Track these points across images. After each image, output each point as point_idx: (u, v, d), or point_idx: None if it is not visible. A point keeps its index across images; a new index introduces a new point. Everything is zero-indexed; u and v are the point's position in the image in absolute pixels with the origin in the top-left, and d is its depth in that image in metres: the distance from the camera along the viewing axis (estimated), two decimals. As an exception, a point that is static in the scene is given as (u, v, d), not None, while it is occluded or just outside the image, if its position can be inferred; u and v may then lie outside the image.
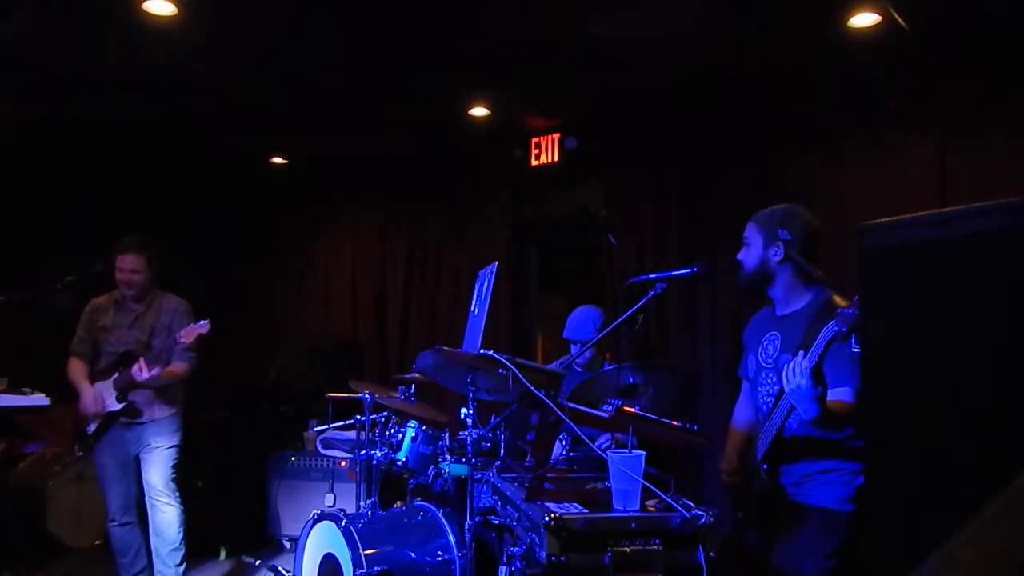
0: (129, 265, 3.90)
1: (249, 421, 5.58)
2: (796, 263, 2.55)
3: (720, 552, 2.07)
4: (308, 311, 6.69)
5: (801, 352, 2.27)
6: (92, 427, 3.89)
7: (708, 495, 3.99)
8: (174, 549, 3.94)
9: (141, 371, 3.67)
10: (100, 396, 3.86)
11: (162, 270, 4.06)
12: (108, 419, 3.85)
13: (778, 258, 2.56)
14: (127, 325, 3.95)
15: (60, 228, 5.33)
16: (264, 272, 6.86)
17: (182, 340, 3.66)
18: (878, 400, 1.48)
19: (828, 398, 2.28)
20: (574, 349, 3.84)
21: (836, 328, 2.15)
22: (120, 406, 3.81)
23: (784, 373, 2.28)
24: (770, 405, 2.54)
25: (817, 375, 2.23)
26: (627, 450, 2.18)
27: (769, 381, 2.60)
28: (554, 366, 3.71)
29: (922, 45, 3.77)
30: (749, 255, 2.63)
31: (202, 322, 3.66)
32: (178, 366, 3.89)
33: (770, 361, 2.61)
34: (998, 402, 1.26)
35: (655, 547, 2.02)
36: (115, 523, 3.93)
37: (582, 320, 3.84)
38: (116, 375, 3.82)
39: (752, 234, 2.63)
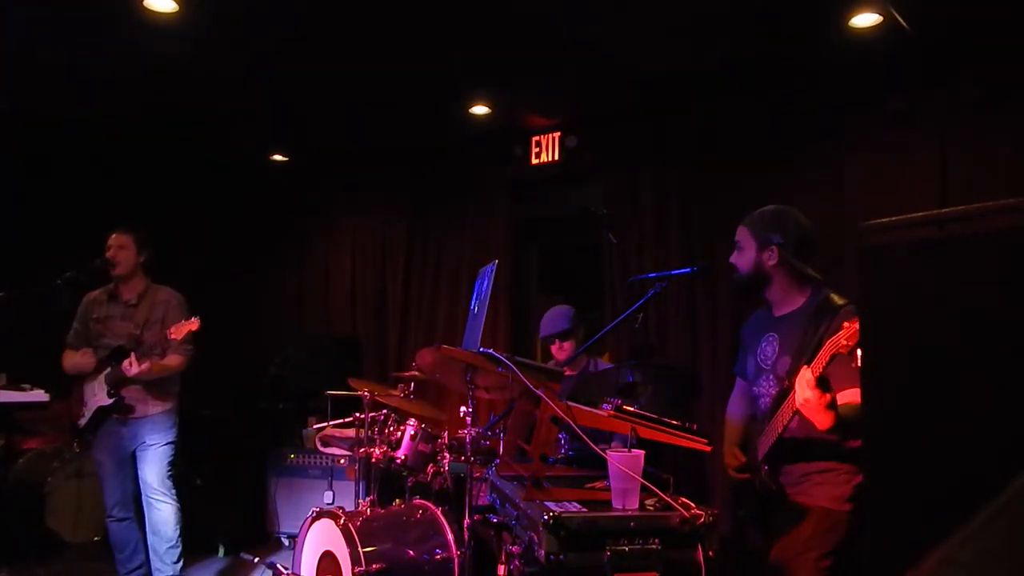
0: (116, 241, 3.95)
1: (249, 418, 5.58)
2: (791, 266, 2.55)
3: (719, 551, 2.07)
4: (308, 308, 6.68)
5: (803, 367, 2.26)
6: (84, 420, 3.90)
7: (708, 494, 4.01)
8: (171, 547, 3.95)
9: (131, 366, 3.68)
10: (92, 385, 3.87)
11: (154, 263, 4.07)
12: (99, 414, 3.86)
13: (772, 262, 2.56)
14: (119, 317, 3.95)
15: (60, 224, 5.32)
16: (264, 269, 6.85)
17: (172, 336, 3.67)
18: (877, 400, 1.48)
19: (838, 401, 2.26)
20: (553, 348, 3.83)
21: (841, 343, 2.13)
22: (110, 401, 3.81)
23: (795, 393, 2.27)
24: (769, 406, 2.54)
25: (822, 383, 2.22)
26: (626, 448, 2.19)
27: (768, 382, 2.60)
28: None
29: (922, 45, 3.77)
30: (743, 259, 2.63)
31: (192, 318, 3.69)
32: (173, 359, 3.89)
33: (768, 363, 2.60)
34: (998, 403, 1.26)
35: (654, 546, 2.02)
36: (112, 518, 3.94)
37: (555, 314, 3.83)
38: (108, 370, 3.82)
39: (744, 237, 2.62)
